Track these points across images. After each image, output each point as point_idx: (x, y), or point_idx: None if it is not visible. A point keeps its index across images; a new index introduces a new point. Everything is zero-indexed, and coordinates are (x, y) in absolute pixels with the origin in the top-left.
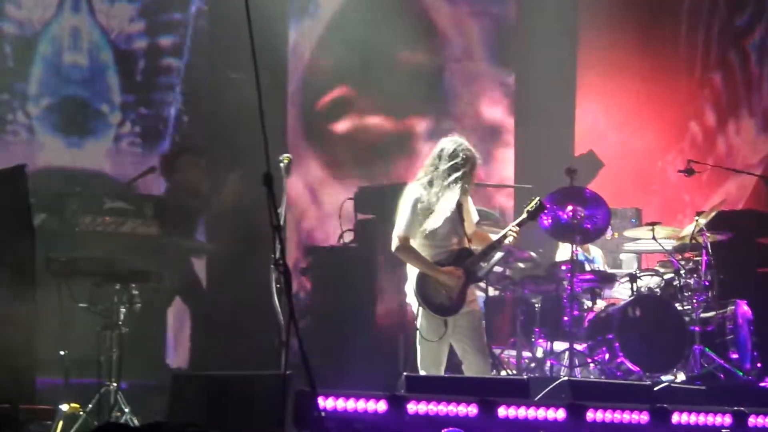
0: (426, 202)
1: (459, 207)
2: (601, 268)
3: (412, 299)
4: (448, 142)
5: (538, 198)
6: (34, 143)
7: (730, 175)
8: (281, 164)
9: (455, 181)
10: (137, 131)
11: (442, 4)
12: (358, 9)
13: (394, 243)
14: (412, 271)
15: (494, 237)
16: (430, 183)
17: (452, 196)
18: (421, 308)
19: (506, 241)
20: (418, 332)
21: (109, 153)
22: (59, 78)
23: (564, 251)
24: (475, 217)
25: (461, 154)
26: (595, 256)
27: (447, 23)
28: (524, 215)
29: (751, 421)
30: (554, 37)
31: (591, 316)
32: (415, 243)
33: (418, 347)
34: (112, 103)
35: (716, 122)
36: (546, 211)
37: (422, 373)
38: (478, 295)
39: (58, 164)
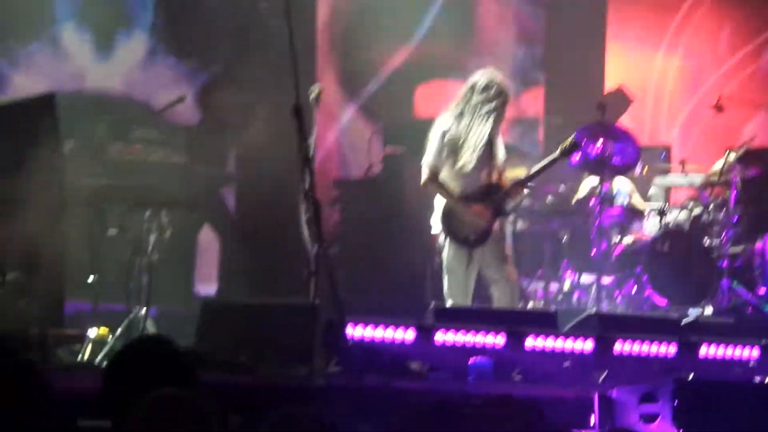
0: (455, 133)
1: (489, 141)
2: (627, 202)
3: (438, 230)
4: (482, 75)
5: (573, 136)
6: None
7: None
8: (311, 95)
9: (487, 114)
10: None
11: None
12: None
13: (424, 174)
14: (439, 203)
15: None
16: (461, 114)
17: (484, 129)
18: (447, 239)
19: (537, 177)
20: (444, 263)
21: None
22: None
23: (586, 185)
24: (503, 153)
25: (495, 88)
26: (620, 189)
27: None
28: (557, 153)
29: None
30: None
31: (619, 249)
32: (445, 175)
33: (445, 277)
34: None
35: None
36: (580, 150)
37: (449, 303)
38: (506, 227)
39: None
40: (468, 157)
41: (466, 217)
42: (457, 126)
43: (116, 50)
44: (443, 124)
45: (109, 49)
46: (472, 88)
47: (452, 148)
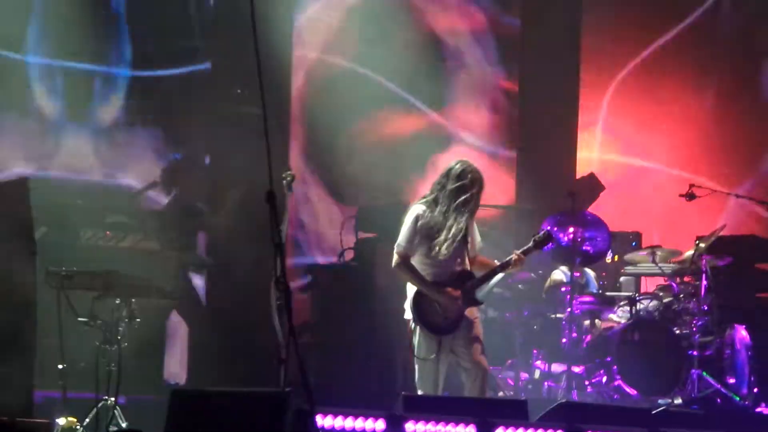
0: (429, 220)
1: (464, 229)
2: (596, 290)
3: (409, 317)
4: (457, 163)
5: (546, 229)
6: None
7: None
8: (284, 181)
9: (463, 203)
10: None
11: (440, 13)
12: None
13: (395, 259)
14: (411, 289)
15: (496, 262)
16: (435, 201)
17: (460, 220)
18: (417, 326)
19: (509, 269)
20: (414, 350)
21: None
22: None
23: (558, 274)
24: (479, 240)
25: (470, 176)
26: (589, 278)
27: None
28: (530, 244)
29: None
30: (557, 55)
31: (589, 338)
32: (417, 261)
33: (415, 366)
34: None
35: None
36: (552, 242)
37: (419, 392)
38: (477, 315)
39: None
40: (444, 247)
41: (438, 298)
42: (431, 213)
43: (90, 121)
44: (417, 210)
45: (83, 119)
46: (447, 175)
47: (426, 234)
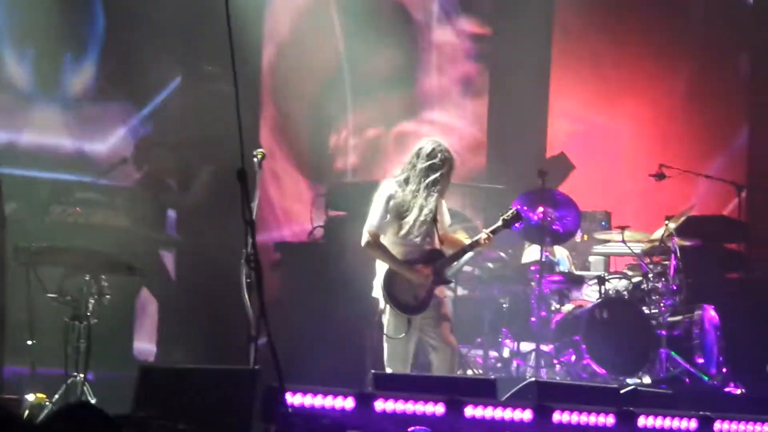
0: (400, 199)
1: (434, 209)
2: (567, 270)
3: (379, 295)
4: (428, 142)
5: (515, 208)
6: None
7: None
8: (254, 159)
9: (433, 182)
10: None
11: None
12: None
13: (365, 237)
14: (381, 268)
15: (466, 241)
16: (406, 181)
17: (430, 200)
18: (387, 305)
19: (478, 247)
20: (384, 329)
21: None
22: None
23: (531, 252)
24: (448, 220)
25: (440, 155)
26: (561, 257)
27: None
28: (499, 223)
29: (717, 426)
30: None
31: (558, 317)
32: (387, 240)
33: (385, 344)
34: None
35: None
36: (521, 220)
37: (388, 370)
38: (446, 294)
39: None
40: (413, 226)
41: (408, 276)
42: (402, 192)
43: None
44: (388, 188)
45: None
46: (417, 154)
47: (396, 213)
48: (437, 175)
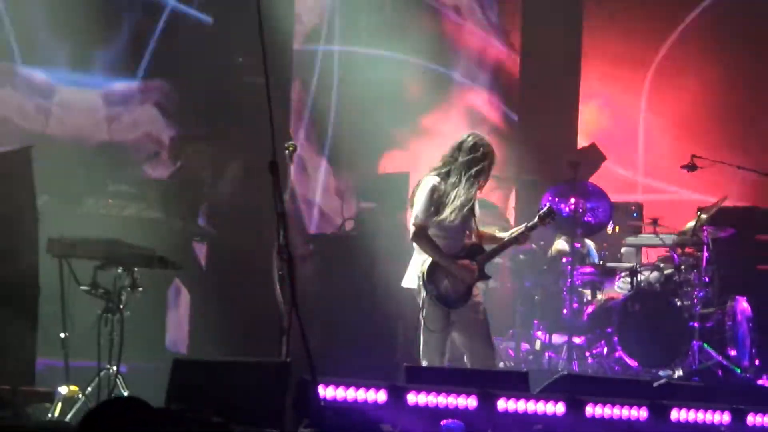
0: (443, 191)
1: (472, 201)
2: (597, 260)
3: (417, 288)
4: (469, 136)
5: (549, 204)
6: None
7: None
8: (286, 152)
9: (475, 175)
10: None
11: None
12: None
13: (412, 230)
14: (419, 259)
15: (498, 233)
16: (448, 174)
17: (471, 191)
18: (426, 298)
19: (515, 243)
20: (422, 321)
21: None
22: None
23: (560, 244)
24: (478, 212)
25: (481, 149)
26: (590, 249)
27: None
28: (536, 220)
29: (750, 419)
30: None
31: (590, 309)
32: (429, 233)
33: (421, 336)
34: None
35: None
36: (556, 217)
37: (424, 362)
38: (480, 298)
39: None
40: (452, 215)
41: (454, 270)
42: (445, 184)
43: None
44: (432, 181)
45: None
46: (459, 147)
47: (438, 205)
48: (479, 167)
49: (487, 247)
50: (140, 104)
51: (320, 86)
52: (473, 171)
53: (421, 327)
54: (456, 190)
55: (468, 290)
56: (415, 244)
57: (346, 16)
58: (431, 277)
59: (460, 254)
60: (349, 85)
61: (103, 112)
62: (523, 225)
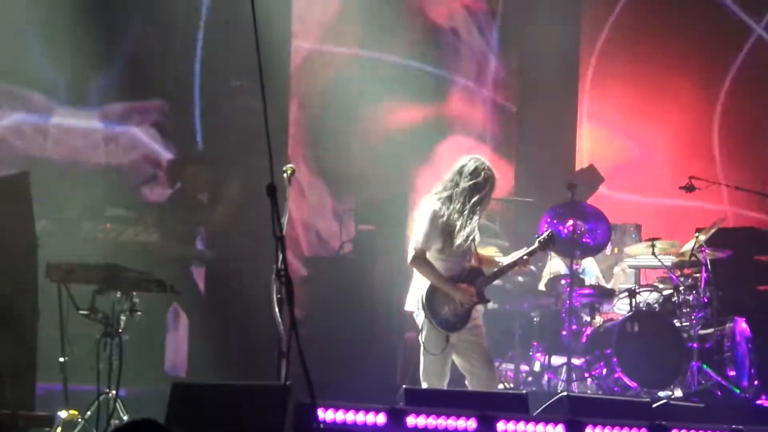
0: (446, 217)
1: (476, 228)
2: (594, 281)
3: (417, 311)
4: (470, 160)
5: (550, 230)
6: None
7: None
8: (284, 174)
9: (479, 201)
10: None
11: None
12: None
13: (411, 255)
14: (421, 284)
15: (497, 257)
16: (449, 198)
17: (474, 216)
18: (426, 321)
19: (515, 267)
20: (422, 344)
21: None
22: None
23: (555, 264)
24: (477, 235)
25: (483, 174)
26: (586, 268)
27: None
28: (536, 245)
29: None
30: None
31: (589, 330)
32: (429, 257)
33: (421, 359)
34: None
35: None
36: (556, 242)
37: (424, 385)
38: (480, 321)
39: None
40: (459, 245)
41: (453, 294)
42: (447, 210)
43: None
44: (434, 206)
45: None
46: (460, 172)
47: (444, 231)
48: (482, 194)
49: (487, 271)
50: (138, 125)
51: (318, 107)
52: (476, 198)
53: (421, 350)
54: (461, 219)
55: (467, 313)
56: (414, 268)
57: (343, 40)
58: (431, 301)
59: (460, 278)
60: (347, 108)
61: (100, 134)
62: (524, 249)
